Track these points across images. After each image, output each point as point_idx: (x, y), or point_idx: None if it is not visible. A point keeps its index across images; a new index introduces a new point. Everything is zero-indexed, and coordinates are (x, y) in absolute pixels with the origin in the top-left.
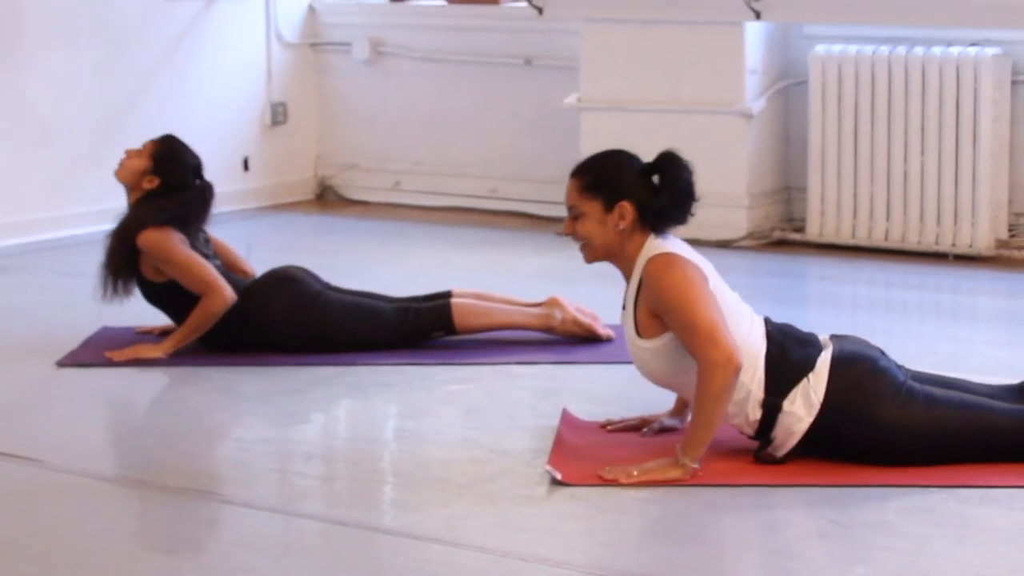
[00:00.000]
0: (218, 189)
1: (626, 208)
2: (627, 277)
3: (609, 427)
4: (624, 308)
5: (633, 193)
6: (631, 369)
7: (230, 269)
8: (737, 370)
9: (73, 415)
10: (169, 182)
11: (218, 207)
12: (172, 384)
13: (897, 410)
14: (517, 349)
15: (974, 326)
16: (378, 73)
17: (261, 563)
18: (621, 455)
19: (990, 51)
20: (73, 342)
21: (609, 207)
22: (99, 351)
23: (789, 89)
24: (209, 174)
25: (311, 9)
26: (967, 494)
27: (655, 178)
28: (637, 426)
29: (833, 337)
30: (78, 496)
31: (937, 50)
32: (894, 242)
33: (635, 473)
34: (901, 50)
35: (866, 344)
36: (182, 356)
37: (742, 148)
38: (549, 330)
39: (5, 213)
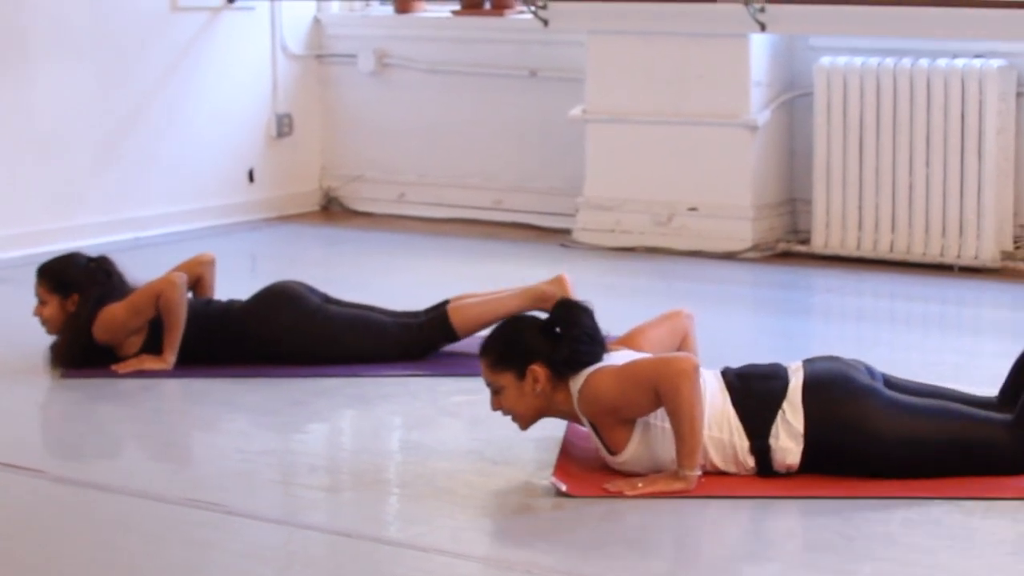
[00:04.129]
0: (223, 201)
1: (537, 371)
2: (575, 421)
3: None
4: (591, 441)
5: (539, 353)
6: None
7: (192, 273)
8: (695, 368)
9: (74, 426)
10: (81, 288)
11: (223, 219)
12: (174, 395)
13: (879, 418)
14: None
15: (979, 338)
16: (383, 85)
17: (264, 574)
18: None
19: (995, 63)
20: None
21: (521, 375)
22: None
23: (794, 101)
24: (214, 186)
25: (316, 21)
26: (971, 505)
27: (557, 329)
28: None
29: (805, 362)
30: (80, 507)
31: (942, 62)
32: (899, 254)
33: (639, 485)
34: (906, 62)
35: (842, 362)
36: (186, 368)
37: (747, 160)
38: (544, 304)
39: (8, 225)
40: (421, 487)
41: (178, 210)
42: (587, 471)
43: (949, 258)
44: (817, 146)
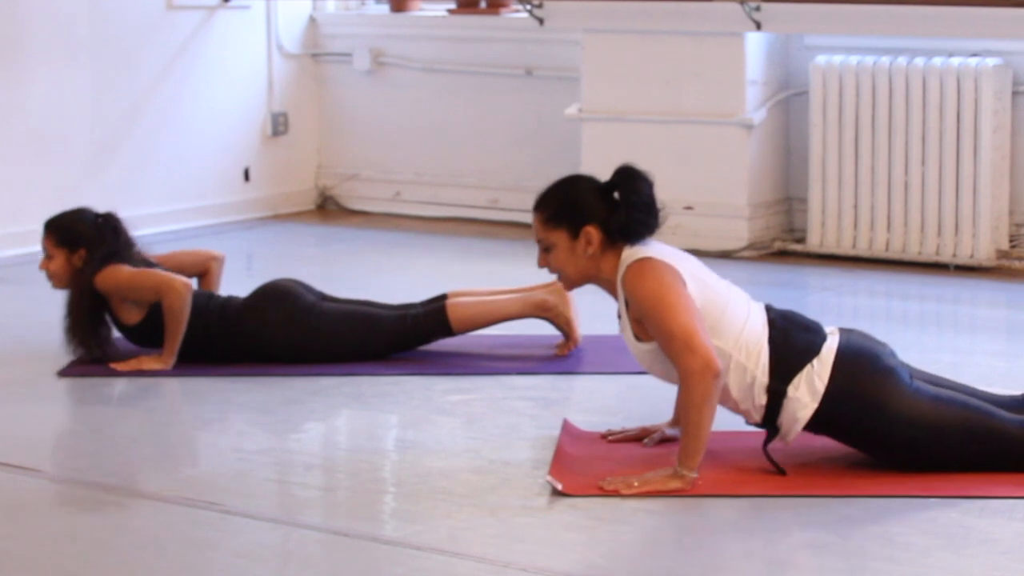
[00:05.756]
0: (219, 200)
1: (591, 232)
2: (612, 294)
3: (610, 437)
4: (620, 317)
5: (595, 215)
6: (632, 380)
7: (201, 267)
8: (716, 376)
9: (72, 425)
10: (89, 243)
11: (219, 217)
12: (172, 395)
13: (900, 402)
14: (518, 359)
15: (975, 337)
16: (379, 83)
17: (261, 574)
18: (622, 466)
19: (991, 62)
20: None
21: (575, 234)
22: (101, 362)
23: (790, 100)
24: (210, 185)
25: (312, 20)
26: (967, 505)
27: (615, 194)
28: (638, 436)
29: (841, 329)
30: (77, 506)
31: (938, 61)
32: (895, 253)
33: (635, 484)
34: (902, 61)
35: (874, 341)
36: (183, 367)
37: (743, 159)
38: (543, 313)
39: (5, 224)
40: (417, 486)
41: (174, 209)
42: (583, 470)
43: (945, 257)
44: (813, 145)
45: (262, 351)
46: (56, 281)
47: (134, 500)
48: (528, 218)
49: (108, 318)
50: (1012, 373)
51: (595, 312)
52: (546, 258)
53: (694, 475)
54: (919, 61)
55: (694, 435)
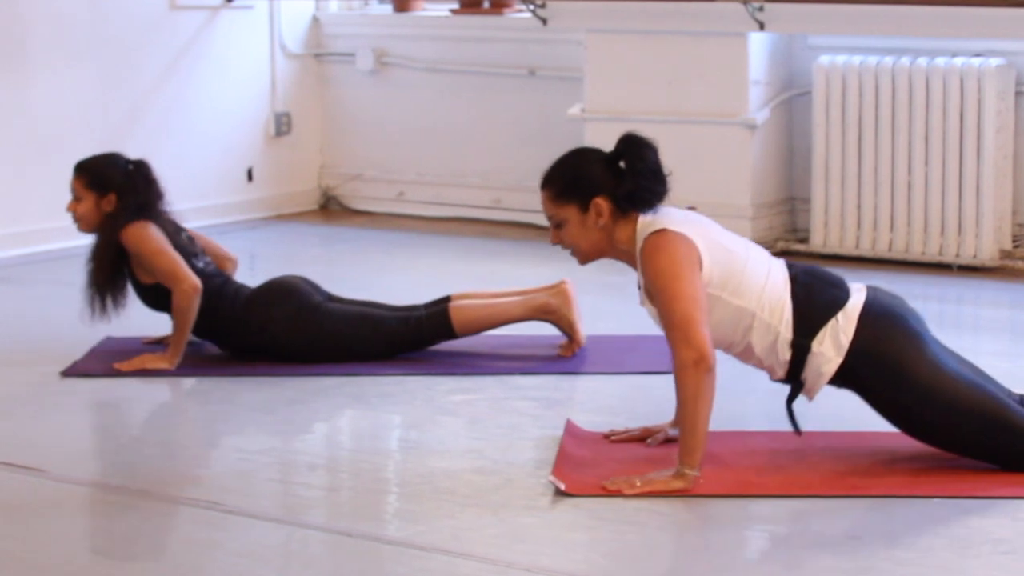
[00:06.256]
0: (222, 200)
1: (600, 204)
2: (631, 264)
3: (613, 438)
4: (640, 287)
5: (603, 186)
6: (635, 380)
7: (217, 262)
8: (708, 370)
9: (76, 425)
10: (119, 188)
11: (222, 218)
12: (175, 394)
13: (919, 371)
14: (521, 360)
15: (978, 337)
16: (382, 83)
17: (264, 574)
18: (624, 466)
19: (994, 62)
20: (76, 352)
21: (584, 208)
22: (104, 361)
23: (793, 100)
24: (213, 185)
25: (315, 20)
26: (970, 504)
27: (621, 164)
28: (640, 437)
29: (869, 286)
30: (80, 506)
31: (941, 61)
32: (898, 253)
33: (638, 484)
34: (905, 61)
35: (902, 301)
36: (186, 367)
37: (746, 159)
38: (546, 316)
39: (7, 224)
40: (420, 486)
41: (177, 209)
42: (586, 470)
43: (948, 257)
44: (816, 145)
45: (265, 346)
46: (83, 224)
47: (137, 500)
48: (531, 218)
49: (127, 272)
50: (1015, 373)
51: (597, 312)
52: (558, 234)
53: (696, 474)
54: (922, 61)
55: (691, 431)
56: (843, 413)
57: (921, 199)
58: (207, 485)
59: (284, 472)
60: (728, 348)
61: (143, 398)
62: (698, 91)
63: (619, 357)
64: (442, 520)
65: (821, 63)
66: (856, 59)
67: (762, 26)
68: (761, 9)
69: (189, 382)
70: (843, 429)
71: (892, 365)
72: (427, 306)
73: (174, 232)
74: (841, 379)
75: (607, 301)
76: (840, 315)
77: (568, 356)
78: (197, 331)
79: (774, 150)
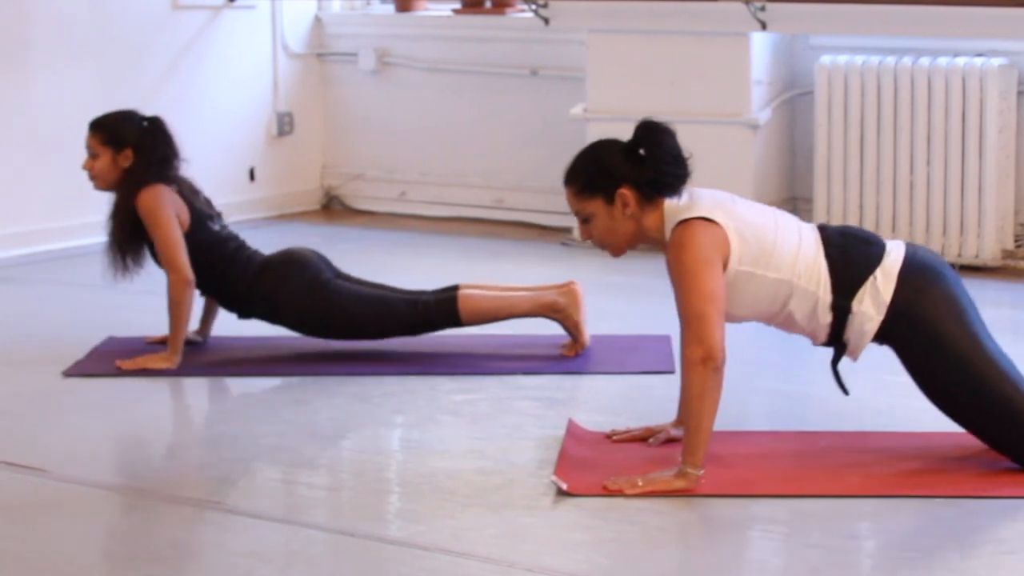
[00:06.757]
0: (224, 200)
1: (625, 194)
2: (662, 250)
3: (615, 437)
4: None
5: (626, 176)
6: (637, 380)
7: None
8: (715, 369)
9: (78, 425)
10: (135, 144)
11: (225, 218)
12: (177, 394)
13: (956, 341)
14: (523, 359)
15: None
16: (384, 83)
17: (266, 573)
18: (626, 466)
19: (996, 62)
20: (78, 352)
21: (610, 200)
22: (106, 361)
23: (795, 100)
24: (215, 184)
25: (317, 19)
26: (973, 504)
27: (641, 151)
28: (642, 436)
29: (907, 243)
30: (82, 506)
31: (943, 61)
32: None
33: (640, 483)
34: (907, 61)
35: (942, 261)
36: (188, 367)
37: (748, 159)
38: (553, 314)
39: (8, 224)
40: (422, 486)
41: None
42: (588, 469)
43: (950, 257)
44: (818, 145)
45: (272, 315)
46: (99, 182)
47: (138, 500)
48: (533, 218)
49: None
50: None
51: (600, 312)
52: (587, 229)
53: (698, 473)
54: (924, 61)
55: (695, 429)
56: (844, 413)
57: (923, 199)
58: (209, 484)
59: (286, 472)
60: (770, 320)
61: (144, 398)
62: (700, 91)
63: (621, 357)
64: (444, 520)
65: (823, 63)
66: (858, 59)
67: (764, 26)
68: (763, 9)
69: (191, 382)
70: (844, 429)
71: (930, 331)
72: (435, 292)
73: (191, 194)
74: (881, 337)
75: (609, 301)
76: (879, 272)
77: (571, 356)
78: (206, 290)
79: (776, 150)
